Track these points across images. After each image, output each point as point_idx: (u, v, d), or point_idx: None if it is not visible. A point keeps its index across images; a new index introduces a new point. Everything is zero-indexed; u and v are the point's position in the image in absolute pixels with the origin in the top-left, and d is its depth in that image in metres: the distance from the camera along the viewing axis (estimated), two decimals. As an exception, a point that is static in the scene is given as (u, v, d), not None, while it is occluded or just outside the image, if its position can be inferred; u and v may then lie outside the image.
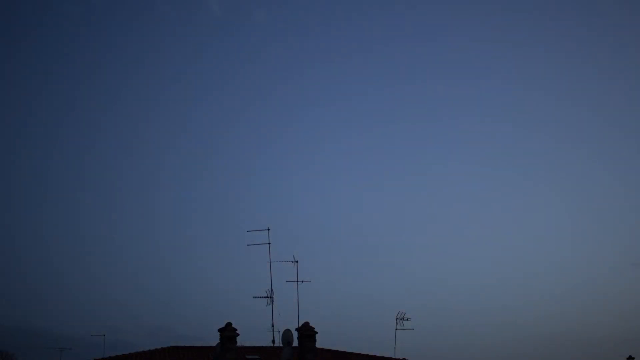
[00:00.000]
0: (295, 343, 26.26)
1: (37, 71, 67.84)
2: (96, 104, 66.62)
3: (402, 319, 28.32)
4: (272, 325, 28.18)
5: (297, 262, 28.73)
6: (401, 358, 28.10)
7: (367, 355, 28.27)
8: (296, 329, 26.46)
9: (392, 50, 68.90)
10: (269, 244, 29.03)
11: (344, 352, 28.38)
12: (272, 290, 28.57)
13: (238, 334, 25.29)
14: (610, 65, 68.19)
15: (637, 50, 68.56)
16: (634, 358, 30.86)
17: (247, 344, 27.88)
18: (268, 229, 29.13)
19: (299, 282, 28.30)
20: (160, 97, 68.55)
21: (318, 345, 26.52)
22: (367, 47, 68.72)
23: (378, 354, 28.37)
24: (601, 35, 68.26)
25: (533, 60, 68.14)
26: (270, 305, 28.35)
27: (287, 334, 26.12)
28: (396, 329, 28.27)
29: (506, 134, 66.74)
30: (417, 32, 68.90)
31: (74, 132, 66.71)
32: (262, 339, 28.54)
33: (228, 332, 25.17)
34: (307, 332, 26.16)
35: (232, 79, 68.52)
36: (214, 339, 26.11)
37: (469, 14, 68.06)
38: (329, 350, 28.06)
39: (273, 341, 28.02)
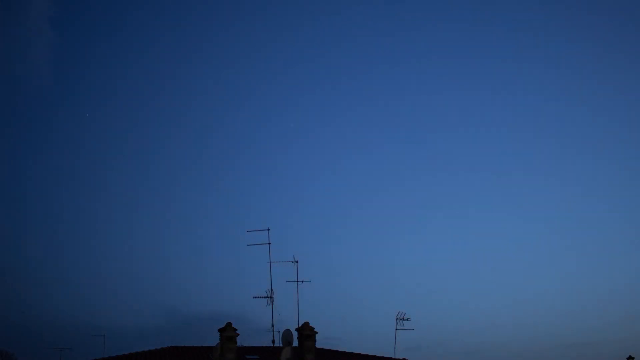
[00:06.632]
0: (295, 343, 26.29)
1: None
2: (90, 102, 66.51)
3: (402, 319, 28.34)
4: (272, 325, 28.16)
5: (297, 262, 28.78)
6: (401, 358, 28.13)
7: (367, 355, 28.27)
8: (296, 329, 26.50)
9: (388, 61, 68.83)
10: (269, 244, 29.07)
11: (344, 352, 28.38)
12: (272, 290, 28.57)
13: (238, 334, 25.31)
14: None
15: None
16: (634, 358, 30.88)
17: (247, 344, 27.92)
18: (268, 229, 29.16)
19: (299, 282, 28.35)
20: (158, 95, 68.47)
21: (318, 345, 26.55)
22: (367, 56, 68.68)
23: (378, 354, 28.39)
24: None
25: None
26: (270, 305, 28.35)
27: (287, 334, 26.15)
28: (396, 329, 28.30)
29: (506, 139, 66.78)
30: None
31: (73, 133, 66.63)
32: (262, 339, 28.56)
33: (228, 332, 25.18)
34: (307, 332, 26.18)
35: (233, 78, 68.54)
36: (214, 339, 26.16)
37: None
38: (329, 350, 28.06)
39: (273, 341, 28.00)
